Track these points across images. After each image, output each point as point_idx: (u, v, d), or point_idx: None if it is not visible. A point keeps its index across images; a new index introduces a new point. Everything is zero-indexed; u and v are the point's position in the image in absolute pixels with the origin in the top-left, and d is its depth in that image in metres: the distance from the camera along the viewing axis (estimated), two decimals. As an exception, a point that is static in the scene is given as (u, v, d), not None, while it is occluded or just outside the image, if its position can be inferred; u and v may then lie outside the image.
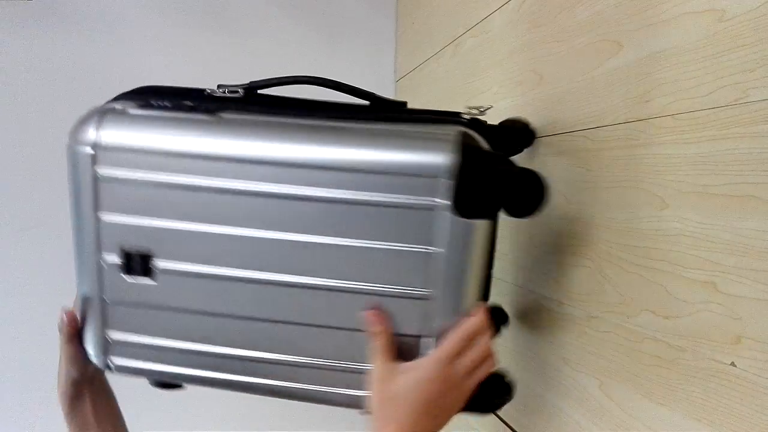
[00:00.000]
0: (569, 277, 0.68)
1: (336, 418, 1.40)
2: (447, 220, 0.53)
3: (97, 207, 0.60)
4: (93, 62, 1.25)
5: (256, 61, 1.37)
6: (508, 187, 0.54)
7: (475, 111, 0.61)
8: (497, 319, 0.74)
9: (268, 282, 0.59)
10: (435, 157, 0.53)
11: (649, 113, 0.55)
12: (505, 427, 0.81)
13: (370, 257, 0.56)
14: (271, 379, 0.63)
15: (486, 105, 0.61)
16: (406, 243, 0.55)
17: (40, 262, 1.22)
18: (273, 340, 0.61)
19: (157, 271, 0.60)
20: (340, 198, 0.55)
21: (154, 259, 0.60)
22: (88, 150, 0.58)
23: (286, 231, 0.57)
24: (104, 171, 0.59)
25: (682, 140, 0.51)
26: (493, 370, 0.56)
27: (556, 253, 0.70)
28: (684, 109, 0.51)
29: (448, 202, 0.53)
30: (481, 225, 0.54)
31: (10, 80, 1.21)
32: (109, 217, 0.60)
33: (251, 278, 0.59)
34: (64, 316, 0.63)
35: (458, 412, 0.56)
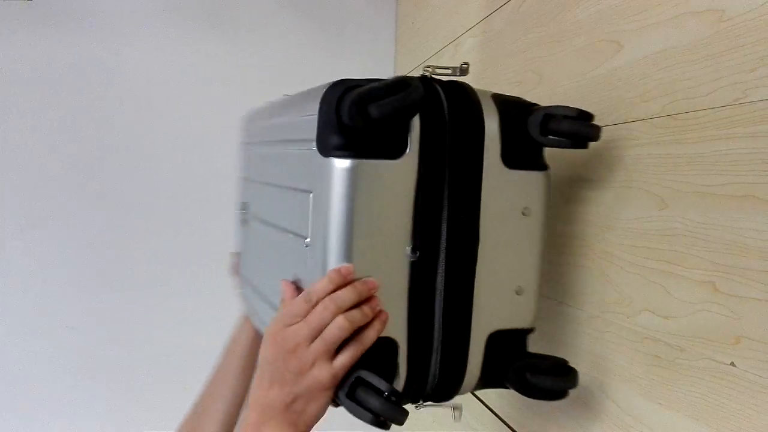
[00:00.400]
0: (569, 277, 0.68)
1: (336, 419, 1.40)
2: (314, 159, 0.51)
3: (241, 169, 0.82)
4: (93, 62, 1.25)
5: (256, 61, 1.37)
6: (365, 122, 0.47)
7: (447, 71, 0.55)
8: (565, 381, 0.58)
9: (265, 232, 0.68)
10: (317, 97, 0.52)
11: (649, 113, 0.55)
12: (505, 427, 0.81)
13: (289, 198, 0.58)
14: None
15: (463, 62, 0.56)
16: (299, 184, 0.55)
17: (39, 261, 1.23)
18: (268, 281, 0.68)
19: (248, 218, 0.77)
20: (283, 144, 0.62)
21: (248, 208, 0.77)
22: (243, 126, 0.82)
23: (263, 179, 0.70)
24: (243, 141, 0.82)
25: (682, 140, 0.51)
26: (343, 336, 0.48)
27: (556, 253, 0.70)
28: (684, 109, 0.51)
29: (313, 139, 0.51)
30: (352, 166, 0.48)
31: (10, 80, 1.21)
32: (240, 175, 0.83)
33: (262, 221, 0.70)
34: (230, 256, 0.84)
35: (323, 388, 0.48)
